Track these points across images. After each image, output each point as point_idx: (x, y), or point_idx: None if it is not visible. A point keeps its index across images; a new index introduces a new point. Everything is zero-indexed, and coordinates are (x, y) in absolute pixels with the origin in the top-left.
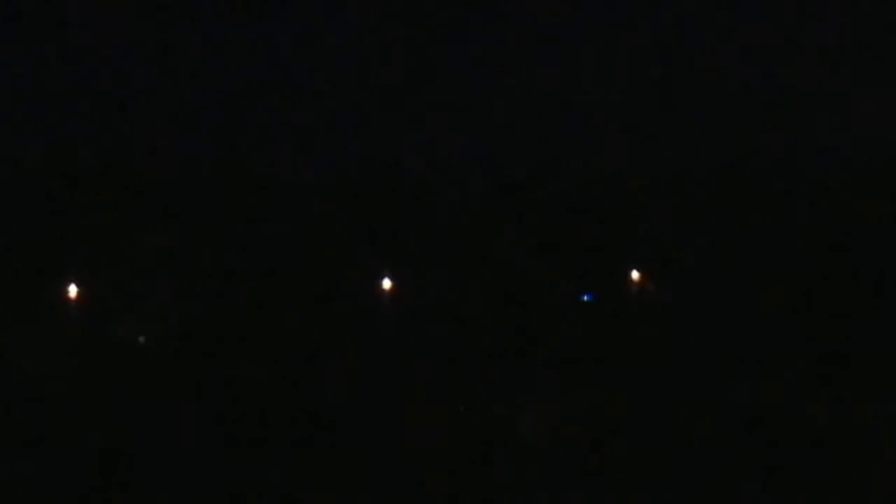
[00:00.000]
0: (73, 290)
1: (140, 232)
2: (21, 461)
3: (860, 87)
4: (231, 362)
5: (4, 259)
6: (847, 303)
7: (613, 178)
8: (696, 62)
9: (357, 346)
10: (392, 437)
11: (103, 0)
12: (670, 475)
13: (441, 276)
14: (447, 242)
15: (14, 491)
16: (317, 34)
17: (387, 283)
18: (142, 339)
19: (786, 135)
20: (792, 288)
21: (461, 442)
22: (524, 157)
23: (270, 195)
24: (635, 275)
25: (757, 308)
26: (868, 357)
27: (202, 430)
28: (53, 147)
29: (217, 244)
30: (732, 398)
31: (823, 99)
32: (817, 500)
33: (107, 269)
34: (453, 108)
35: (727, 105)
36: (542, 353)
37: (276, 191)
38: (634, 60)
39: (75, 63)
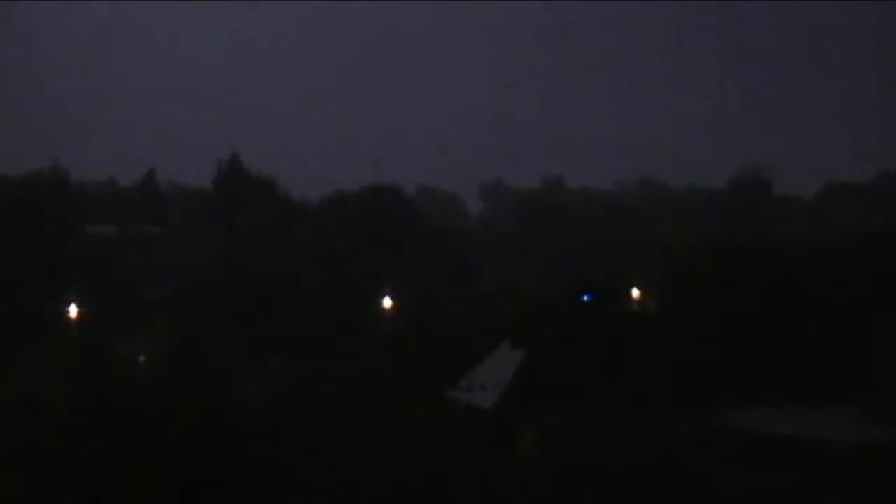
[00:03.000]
0: (73, 310)
1: (140, 252)
2: (24, 476)
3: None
4: (231, 379)
5: (5, 279)
6: (845, 317)
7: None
8: (707, 79)
9: (359, 361)
10: (395, 446)
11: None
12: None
13: (439, 293)
14: (445, 257)
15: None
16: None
17: (387, 303)
18: (142, 357)
19: (789, 152)
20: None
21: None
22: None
23: (272, 215)
24: (636, 292)
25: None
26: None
27: (203, 446)
28: (54, 167)
29: (218, 263)
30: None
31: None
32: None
33: (107, 289)
34: (453, 123)
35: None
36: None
37: (278, 210)
38: (647, 76)
39: (77, 79)
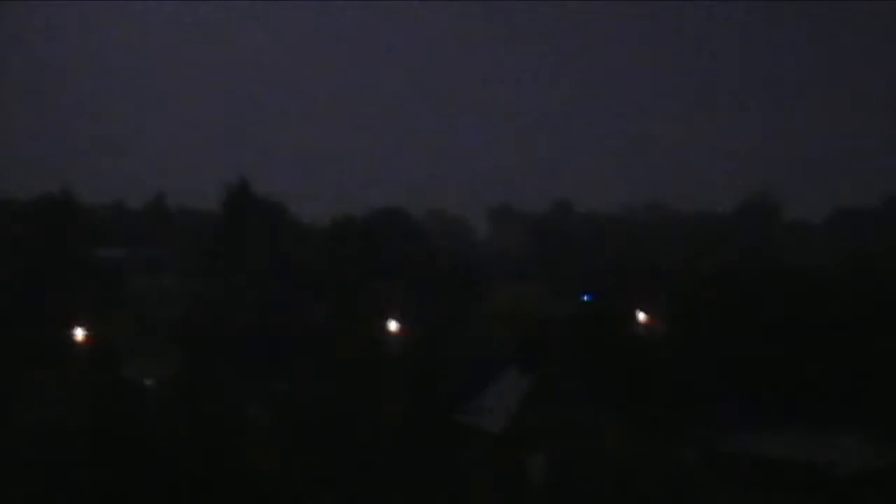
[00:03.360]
0: (80, 335)
1: (146, 275)
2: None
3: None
4: (237, 401)
5: (11, 303)
6: (852, 341)
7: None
8: (721, 100)
9: (364, 384)
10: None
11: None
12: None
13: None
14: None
15: None
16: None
17: (394, 326)
18: (148, 381)
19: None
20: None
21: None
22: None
23: (280, 237)
24: (642, 316)
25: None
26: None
27: (208, 470)
28: (63, 190)
29: (223, 286)
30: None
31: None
32: None
33: (113, 313)
34: (461, 147)
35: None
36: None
37: (284, 233)
38: (666, 95)
39: (83, 105)
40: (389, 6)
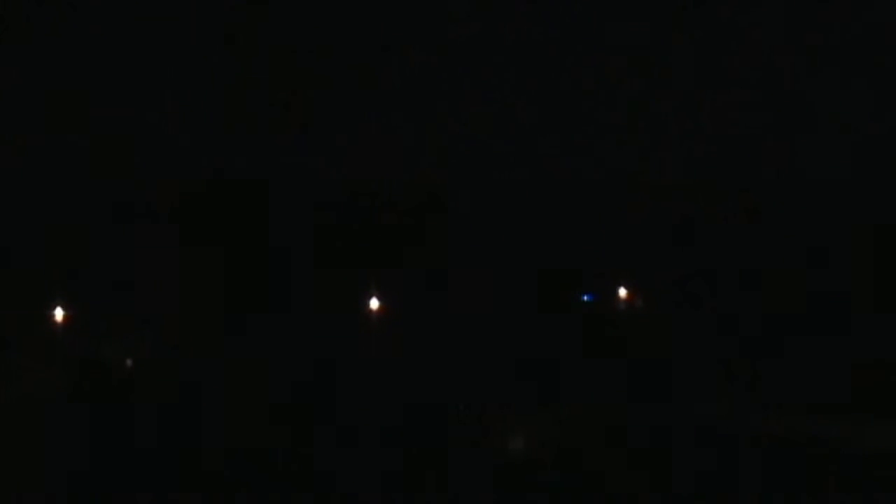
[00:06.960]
0: (59, 314)
1: (127, 254)
2: (11, 484)
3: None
4: (219, 383)
5: None
6: (836, 317)
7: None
8: (696, 83)
9: (347, 364)
10: (387, 450)
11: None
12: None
13: (433, 292)
14: (440, 255)
15: None
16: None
17: (374, 304)
18: (129, 361)
19: (779, 149)
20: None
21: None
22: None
23: (259, 216)
24: (623, 292)
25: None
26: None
27: (190, 452)
28: (40, 168)
29: (204, 265)
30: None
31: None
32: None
33: (93, 292)
34: (446, 116)
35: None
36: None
37: (266, 211)
38: (640, 78)
39: (70, 88)
40: None
